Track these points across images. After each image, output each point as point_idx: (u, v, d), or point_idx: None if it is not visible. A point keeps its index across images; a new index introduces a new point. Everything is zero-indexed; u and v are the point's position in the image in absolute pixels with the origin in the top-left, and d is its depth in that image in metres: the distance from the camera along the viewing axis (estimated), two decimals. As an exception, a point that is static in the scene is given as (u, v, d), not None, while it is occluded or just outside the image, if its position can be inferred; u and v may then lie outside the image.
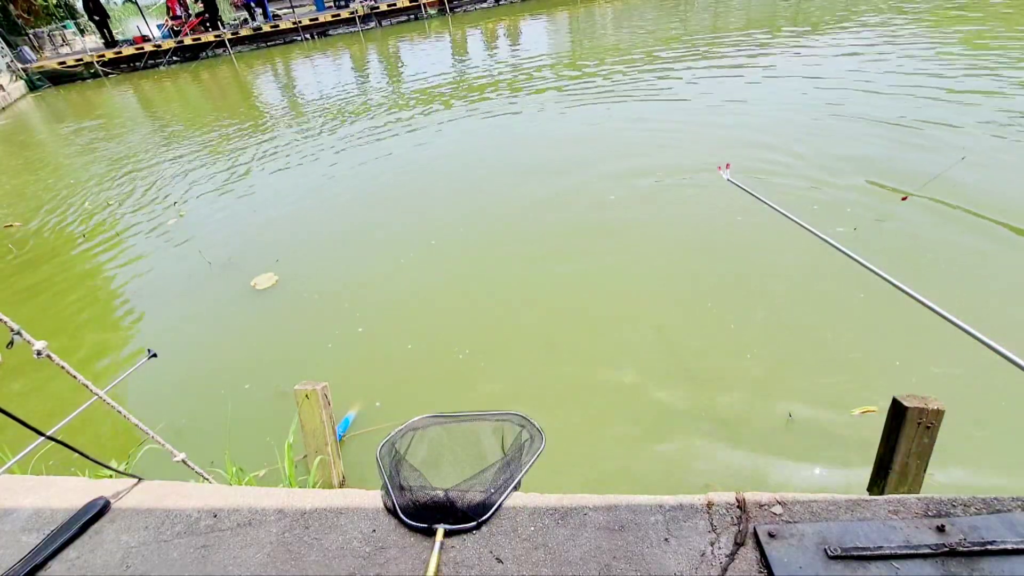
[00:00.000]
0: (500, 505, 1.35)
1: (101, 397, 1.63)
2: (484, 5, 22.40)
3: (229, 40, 20.75)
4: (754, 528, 1.20)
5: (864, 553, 1.09)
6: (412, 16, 22.10)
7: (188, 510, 1.47)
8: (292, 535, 1.36)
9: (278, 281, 4.81)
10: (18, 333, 1.36)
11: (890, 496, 1.24)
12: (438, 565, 1.21)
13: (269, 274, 4.90)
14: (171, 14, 21.16)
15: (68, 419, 1.72)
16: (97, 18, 20.79)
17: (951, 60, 7.73)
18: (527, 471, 1.46)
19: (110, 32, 21.50)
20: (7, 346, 1.40)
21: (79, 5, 24.01)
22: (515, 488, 1.41)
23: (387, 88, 12.25)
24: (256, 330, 4.31)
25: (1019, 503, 1.18)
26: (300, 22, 21.19)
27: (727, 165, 3.92)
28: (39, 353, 1.42)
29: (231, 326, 4.45)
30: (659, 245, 4.52)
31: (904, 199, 4.23)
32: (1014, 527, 1.11)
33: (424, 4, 21.56)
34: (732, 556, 1.15)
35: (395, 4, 21.58)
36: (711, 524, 1.24)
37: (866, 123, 6.13)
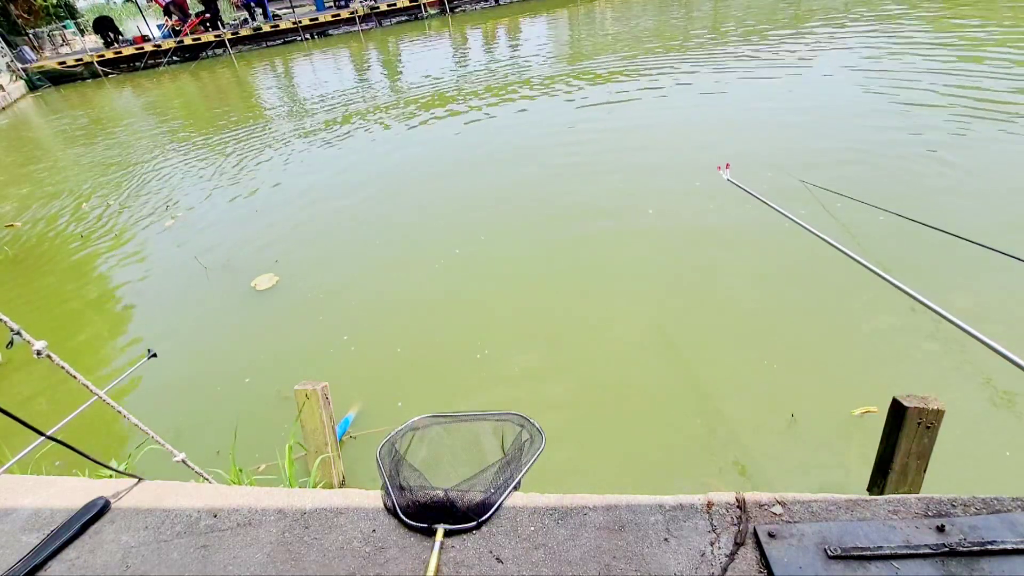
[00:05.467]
0: (500, 505, 1.35)
1: (101, 397, 1.63)
2: (484, 5, 22.40)
3: (229, 40, 20.75)
4: (754, 528, 1.20)
5: (864, 553, 1.09)
6: (412, 16, 22.10)
7: (188, 510, 1.47)
8: (292, 535, 1.36)
9: (278, 282, 4.80)
10: (18, 333, 1.36)
11: (890, 496, 1.24)
12: (438, 565, 1.21)
13: (270, 274, 4.89)
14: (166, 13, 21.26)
15: (68, 419, 1.71)
16: (112, 34, 21.07)
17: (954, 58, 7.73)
18: (527, 471, 1.46)
19: (116, 41, 21.62)
20: (7, 346, 1.41)
21: (80, 4, 24.11)
22: (515, 488, 1.41)
23: (388, 88, 12.25)
24: (256, 330, 4.31)
25: (1019, 503, 1.18)
26: (300, 22, 21.19)
27: (727, 165, 3.92)
28: (39, 353, 1.41)
29: (231, 326, 4.45)
30: (660, 247, 4.52)
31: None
32: (1014, 527, 1.11)
33: (424, 4, 21.56)
34: (732, 556, 1.15)
35: (395, 4, 21.58)
36: (711, 524, 1.24)
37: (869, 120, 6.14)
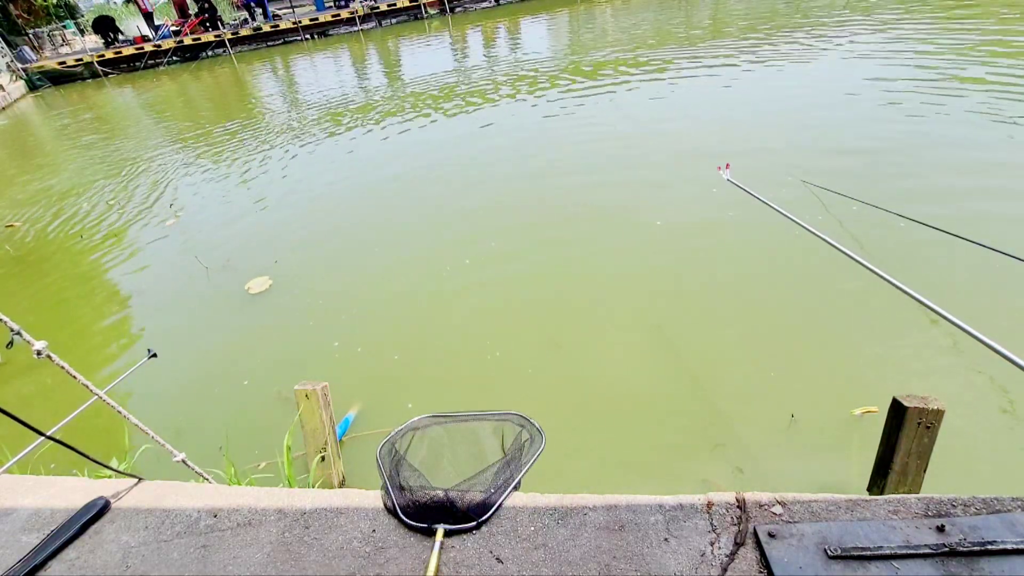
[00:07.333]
0: (500, 505, 1.35)
1: (101, 397, 1.63)
2: (484, 5, 22.40)
3: (229, 40, 20.74)
4: (754, 528, 1.20)
5: (864, 553, 1.09)
6: (412, 16, 22.09)
7: (188, 510, 1.47)
8: (292, 535, 1.36)
9: (272, 285, 4.79)
10: (18, 333, 1.36)
11: (890, 496, 1.24)
12: (438, 565, 1.21)
13: (263, 277, 4.88)
14: (143, 12, 21.43)
15: (68, 419, 1.72)
16: (112, 34, 21.11)
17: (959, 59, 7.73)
18: (527, 471, 1.46)
19: (116, 41, 21.66)
20: (7, 346, 1.41)
21: (80, 5, 24.17)
22: (515, 488, 1.41)
23: (387, 89, 12.24)
24: (257, 331, 4.31)
25: (1019, 503, 1.18)
26: (300, 22, 21.18)
27: (727, 165, 3.92)
28: (39, 353, 1.41)
29: (232, 327, 4.44)
30: (660, 247, 4.51)
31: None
32: (1014, 527, 1.11)
33: (424, 4, 21.55)
34: (732, 556, 1.15)
35: (395, 4, 21.57)
36: (711, 524, 1.24)
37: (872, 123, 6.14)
